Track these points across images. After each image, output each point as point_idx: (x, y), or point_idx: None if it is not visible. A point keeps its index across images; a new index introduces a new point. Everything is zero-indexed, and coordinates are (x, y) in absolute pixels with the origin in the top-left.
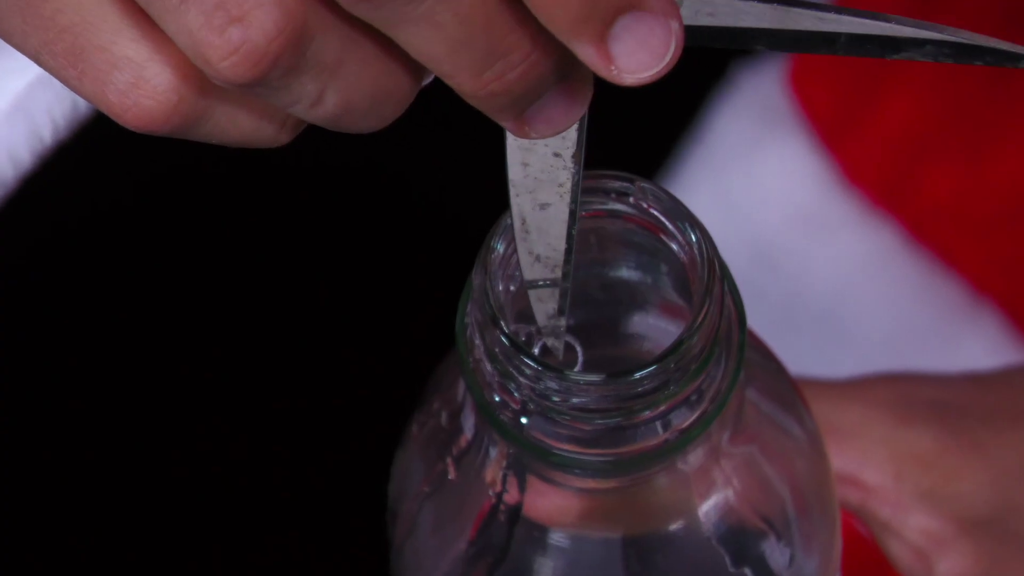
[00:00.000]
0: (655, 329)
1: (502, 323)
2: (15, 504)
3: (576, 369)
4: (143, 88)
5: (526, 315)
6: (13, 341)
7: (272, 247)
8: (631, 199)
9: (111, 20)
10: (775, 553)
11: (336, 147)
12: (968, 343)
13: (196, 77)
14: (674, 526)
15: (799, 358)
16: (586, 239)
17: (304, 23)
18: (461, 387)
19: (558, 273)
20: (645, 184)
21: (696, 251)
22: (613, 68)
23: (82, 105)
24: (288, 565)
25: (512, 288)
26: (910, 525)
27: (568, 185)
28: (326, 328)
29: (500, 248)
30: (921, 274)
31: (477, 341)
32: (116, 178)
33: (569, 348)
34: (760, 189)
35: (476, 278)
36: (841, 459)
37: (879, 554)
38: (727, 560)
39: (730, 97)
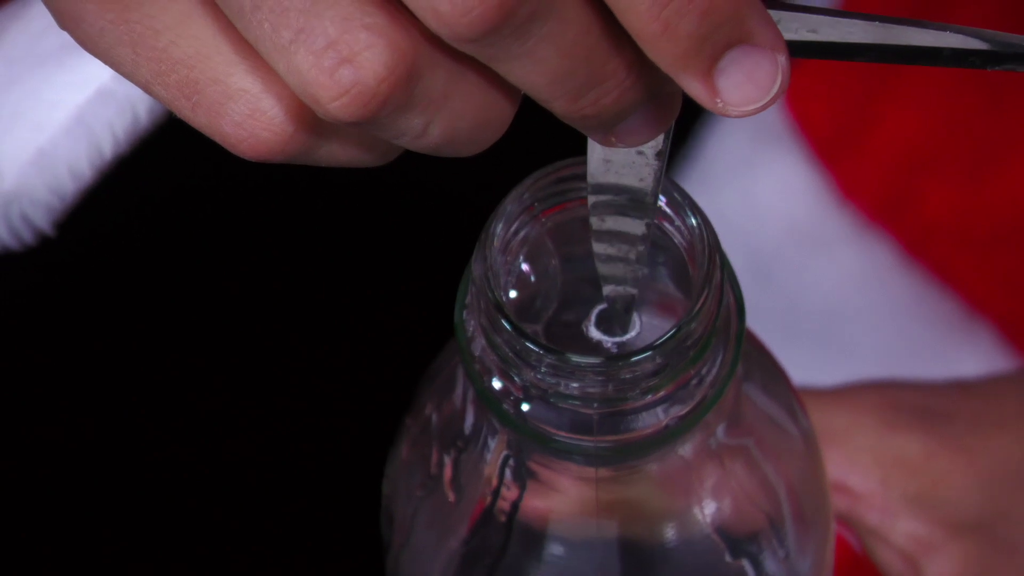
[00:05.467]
0: (651, 328)
1: (503, 306)
2: (15, 504)
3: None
4: (259, 120)
5: (521, 311)
6: (64, 346)
7: (269, 247)
8: None
9: (225, 53)
10: (771, 547)
11: None
12: (964, 359)
13: (309, 110)
14: (673, 516)
15: (795, 372)
16: (581, 230)
17: (414, 62)
18: (459, 384)
19: (632, 258)
20: None
21: (696, 237)
22: (719, 101)
23: (143, 119)
24: (285, 565)
25: (509, 285)
26: (898, 530)
27: (649, 180)
28: (320, 327)
29: (499, 234)
30: (917, 290)
31: (477, 328)
32: (176, 191)
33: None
34: (756, 205)
35: (476, 265)
36: (828, 465)
37: (867, 562)
38: (725, 551)
39: None
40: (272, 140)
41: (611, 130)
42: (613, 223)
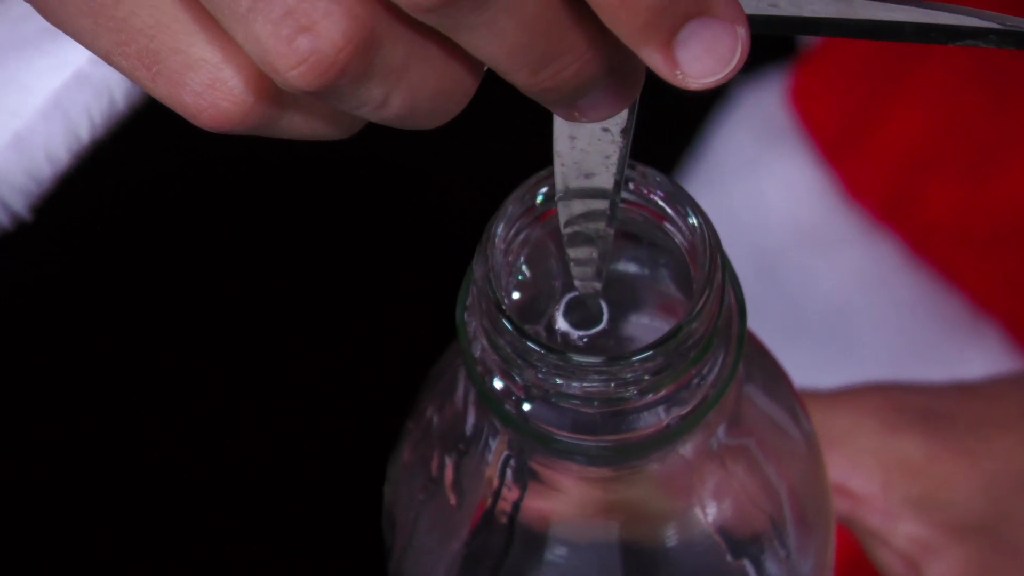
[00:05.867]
0: (652, 330)
1: (505, 307)
2: (15, 504)
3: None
4: (220, 89)
5: (523, 312)
6: (46, 337)
7: (270, 248)
8: (632, 185)
9: (184, 23)
10: (772, 548)
11: (336, 144)
12: (969, 358)
13: (270, 80)
14: (674, 517)
15: (800, 372)
16: None
17: (372, 31)
18: (460, 385)
19: (599, 239)
20: (647, 169)
21: (698, 237)
22: (678, 73)
23: (119, 103)
24: (285, 565)
25: (510, 285)
26: (899, 533)
27: (615, 158)
28: (321, 328)
29: (501, 235)
30: (922, 290)
31: (479, 329)
32: (153, 176)
33: (595, 308)
34: (762, 205)
35: (478, 266)
36: (830, 467)
37: (867, 563)
38: (726, 552)
39: (732, 113)
40: (232, 110)
41: (574, 104)
42: (579, 226)
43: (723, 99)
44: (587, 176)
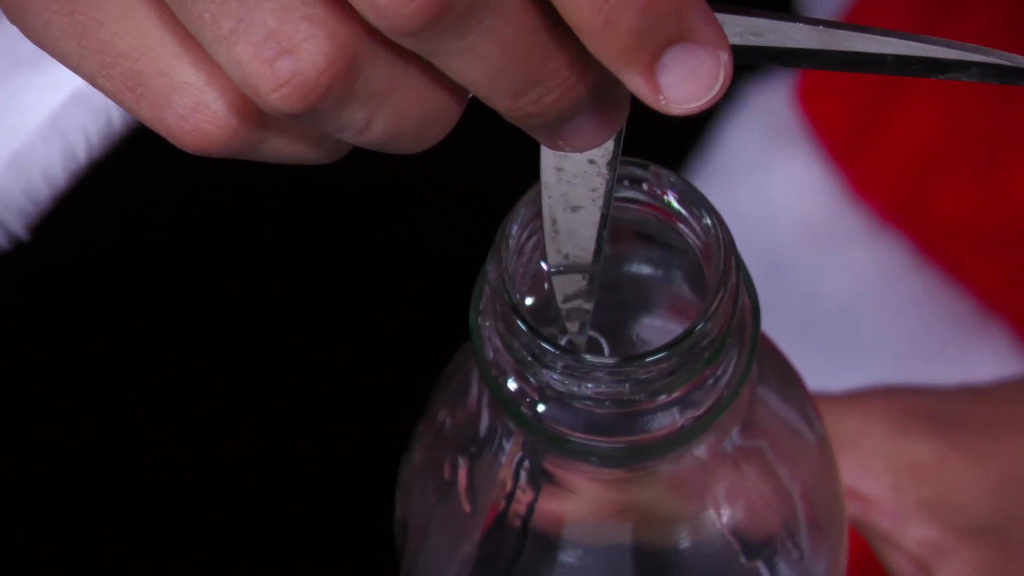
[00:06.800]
0: (665, 332)
1: (520, 309)
2: (14, 504)
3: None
4: (203, 112)
5: (536, 314)
6: (47, 352)
7: (277, 251)
8: (645, 186)
9: (169, 46)
10: (786, 550)
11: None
12: (977, 357)
13: (253, 104)
14: (688, 518)
15: (809, 372)
16: None
17: (354, 55)
18: (473, 387)
19: (586, 272)
20: (660, 170)
21: (712, 238)
22: (661, 98)
23: (116, 123)
24: (284, 567)
25: (524, 287)
26: (909, 535)
27: (601, 190)
28: (320, 329)
29: (515, 236)
30: (930, 289)
31: (493, 330)
32: (151, 196)
33: (593, 343)
34: (770, 204)
35: (491, 268)
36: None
37: (876, 563)
38: (740, 553)
39: (739, 112)
40: (215, 134)
41: (557, 132)
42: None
43: (730, 99)
44: (574, 209)
